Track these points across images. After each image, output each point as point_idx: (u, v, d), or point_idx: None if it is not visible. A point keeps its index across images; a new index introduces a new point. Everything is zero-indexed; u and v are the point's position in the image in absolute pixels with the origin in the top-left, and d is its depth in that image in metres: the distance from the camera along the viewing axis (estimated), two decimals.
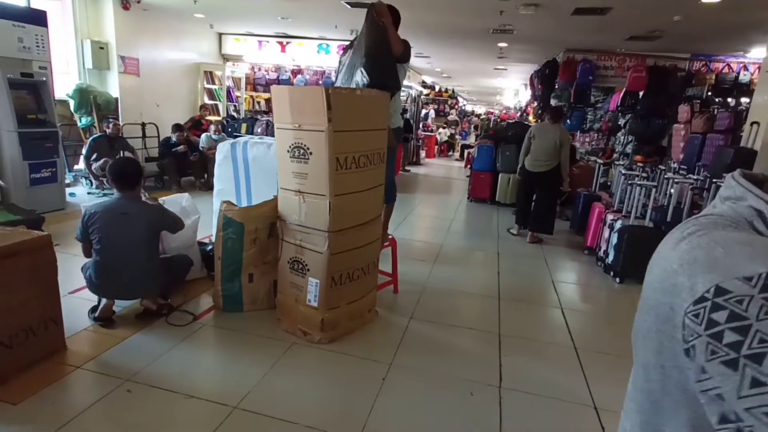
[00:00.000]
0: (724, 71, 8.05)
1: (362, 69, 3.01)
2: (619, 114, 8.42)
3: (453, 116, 18.04)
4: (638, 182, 4.33)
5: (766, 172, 0.54)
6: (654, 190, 4.39)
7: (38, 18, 5.10)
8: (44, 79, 5.07)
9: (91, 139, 6.08)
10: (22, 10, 5.13)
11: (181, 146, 6.75)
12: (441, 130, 15.91)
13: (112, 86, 7.21)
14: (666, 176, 4.85)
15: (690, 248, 0.48)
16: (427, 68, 13.94)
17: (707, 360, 0.42)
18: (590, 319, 3.59)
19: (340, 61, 3.41)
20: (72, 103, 6.52)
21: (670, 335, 0.48)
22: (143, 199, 3.05)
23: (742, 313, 0.40)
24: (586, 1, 5.32)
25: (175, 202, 3.41)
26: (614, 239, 4.25)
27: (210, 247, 3.59)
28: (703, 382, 0.44)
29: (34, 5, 5.81)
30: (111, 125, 6.08)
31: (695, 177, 4.71)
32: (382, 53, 3.06)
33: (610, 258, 4.30)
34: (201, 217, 3.57)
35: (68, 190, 5.72)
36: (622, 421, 0.64)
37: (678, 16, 5.63)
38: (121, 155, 6.32)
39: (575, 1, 5.38)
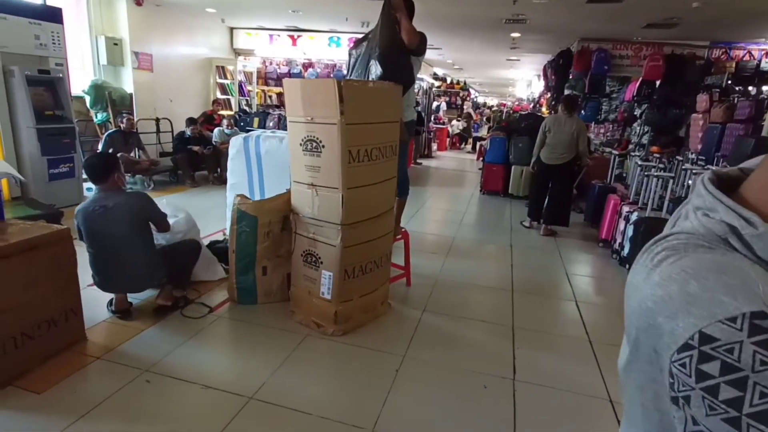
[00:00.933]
0: (744, 59, 7.83)
1: (376, 61, 3.00)
2: (635, 104, 8.26)
3: (467, 109, 17.87)
4: (655, 173, 4.25)
5: None
6: (671, 181, 4.31)
7: (54, 15, 5.17)
8: (61, 75, 5.15)
9: (106, 134, 6.17)
10: (38, 7, 5.21)
11: (197, 147, 6.81)
12: (454, 122, 15.79)
13: (127, 82, 7.30)
14: (683, 167, 4.75)
15: (661, 281, 0.45)
16: (438, 60, 13.81)
17: (706, 416, 0.39)
18: (605, 312, 3.55)
19: (350, 54, 3.39)
20: (88, 99, 6.63)
21: (652, 378, 0.45)
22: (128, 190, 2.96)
23: (735, 364, 0.37)
24: None
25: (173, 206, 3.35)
26: (630, 231, 4.19)
27: (224, 242, 3.62)
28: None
29: (50, 2, 5.90)
30: (125, 120, 6.15)
31: (714, 168, 4.60)
32: (395, 47, 3.05)
33: (626, 251, 4.24)
34: (214, 212, 3.60)
35: (86, 185, 5.82)
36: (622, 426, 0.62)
37: (697, 3, 5.48)
38: (136, 153, 6.42)
39: None
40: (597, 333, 3.05)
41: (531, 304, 3.50)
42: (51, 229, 2.40)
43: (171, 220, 3.12)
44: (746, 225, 0.45)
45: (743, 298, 0.39)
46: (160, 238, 3.07)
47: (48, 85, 5.07)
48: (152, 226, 2.88)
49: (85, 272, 2.80)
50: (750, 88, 7.74)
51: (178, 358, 2.50)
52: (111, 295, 2.92)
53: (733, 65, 7.78)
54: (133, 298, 2.98)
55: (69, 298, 2.48)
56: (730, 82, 7.69)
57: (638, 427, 0.52)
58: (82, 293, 2.61)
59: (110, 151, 5.94)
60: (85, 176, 6.09)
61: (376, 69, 3.01)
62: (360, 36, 3.52)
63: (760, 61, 7.67)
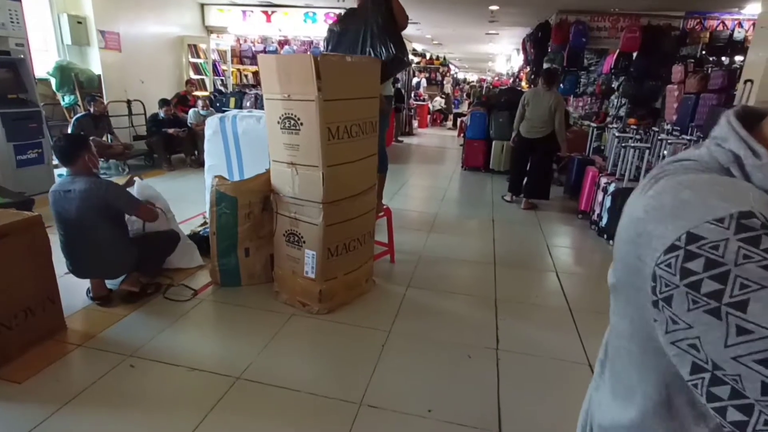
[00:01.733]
0: (718, 29, 7.92)
1: (385, 41, 2.98)
2: (613, 77, 8.32)
3: (448, 87, 17.75)
4: (631, 144, 4.32)
5: None
6: (647, 151, 4.38)
7: None
8: (22, 56, 4.89)
9: (74, 119, 5.93)
10: None
11: (172, 129, 6.61)
12: (437, 99, 15.68)
13: (94, 63, 6.99)
14: (659, 138, 4.84)
15: (655, 193, 0.46)
16: (417, 35, 13.60)
17: (688, 310, 0.40)
18: (585, 281, 3.64)
19: (331, 30, 3.29)
20: (53, 82, 6.34)
21: (637, 287, 0.46)
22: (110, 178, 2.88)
23: (719, 260, 0.38)
24: None
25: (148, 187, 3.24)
26: (608, 202, 4.27)
27: (204, 230, 3.54)
28: (673, 333, 0.42)
29: None
30: (94, 103, 5.92)
31: (688, 137, 4.70)
32: (393, 26, 3.05)
33: (604, 221, 4.34)
34: (193, 195, 3.53)
35: (56, 171, 5.63)
36: (597, 371, 0.64)
37: None
38: (107, 137, 6.21)
39: None
40: (577, 301, 3.13)
41: (513, 276, 3.56)
42: (22, 216, 2.32)
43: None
44: (750, 155, 0.46)
45: (733, 202, 0.40)
46: (135, 224, 3.00)
47: (9, 66, 4.81)
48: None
49: (61, 261, 2.73)
50: (723, 58, 7.85)
51: (162, 342, 2.48)
52: (89, 283, 2.86)
53: (707, 35, 7.87)
54: (111, 284, 2.92)
55: (45, 286, 2.42)
56: (704, 52, 7.79)
57: (623, 338, 0.53)
58: (59, 281, 2.55)
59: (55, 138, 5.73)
60: (56, 162, 5.90)
61: (382, 50, 2.97)
62: (339, 12, 3.45)
63: (732, 31, 7.77)
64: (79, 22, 6.70)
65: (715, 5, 7.52)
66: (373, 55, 2.98)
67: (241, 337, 2.59)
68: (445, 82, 17.49)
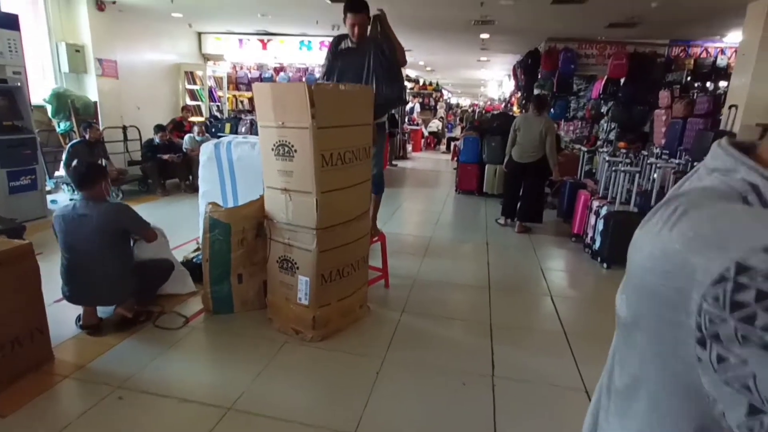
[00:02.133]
0: (702, 56, 8.17)
1: (388, 84, 3.19)
2: (602, 102, 8.51)
3: (441, 111, 18.04)
4: (622, 168, 4.39)
5: None
6: (637, 175, 4.45)
7: (10, 22, 4.97)
8: (19, 84, 4.95)
9: (69, 144, 5.95)
10: None
11: (167, 155, 6.64)
12: (434, 121, 15.89)
13: (91, 90, 7.07)
14: (649, 161, 4.92)
15: (692, 224, 0.43)
16: (410, 62, 13.87)
17: (741, 345, 0.37)
18: (579, 304, 3.63)
19: (332, 54, 3.36)
20: (49, 108, 6.38)
21: (675, 322, 0.43)
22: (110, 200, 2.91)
23: None
24: None
25: None
26: (600, 225, 4.30)
27: (197, 257, 3.52)
28: (723, 372, 0.39)
29: (5, 9, 5.66)
30: (90, 130, 5.95)
31: (677, 161, 4.78)
32: (396, 66, 3.24)
33: (597, 244, 4.36)
34: (186, 221, 3.53)
35: (49, 197, 5.62)
36: (600, 420, 0.59)
37: (655, 2, 5.69)
38: (101, 162, 6.22)
39: None
40: (572, 326, 3.11)
41: (508, 300, 3.55)
42: (12, 245, 2.30)
43: None
44: (767, 183, 0.45)
45: None
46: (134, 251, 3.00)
47: (5, 94, 4.86)
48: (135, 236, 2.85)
49: (50, 288, 2.69)
50: (708, 84, 8.08)
51: (152, 372, 2.43)
52: (79, 311, 2.81)
53: (692, 62, 8.11)
54: (102, 312, 2.88)
55: (34, 316, 2.38)
56: (689, 78, 8.01)
57: (644, 380, 0.49)
58: (48, 310, 2.51)
59: (74, 162, 5.74)
60: (49, 188, 5.90)
61: (388, 90, 3.15)
62: (332, 37, 3.59)
63: (716, 58, 8.02)
64: (77, 51, 6.81)
65: (698, 34, 7.78)
66: (380, 99, 3.10)
67: (233, 365, 2.54)
68: (438, 107, 17.78)
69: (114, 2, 6.96)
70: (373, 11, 3.28)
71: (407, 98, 3.67)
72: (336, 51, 3.35)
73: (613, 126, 8.23)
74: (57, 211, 2.74)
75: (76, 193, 5.85)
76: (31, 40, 6.19)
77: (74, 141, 6.04)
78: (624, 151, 5.92)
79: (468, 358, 2.68)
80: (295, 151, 2.56)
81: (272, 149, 2.65)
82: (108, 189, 2.85)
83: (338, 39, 3.39)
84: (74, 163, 5.59)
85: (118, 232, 2.73)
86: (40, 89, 6.40)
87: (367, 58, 3.17)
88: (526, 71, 9.43)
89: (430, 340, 2.91)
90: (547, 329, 3.12)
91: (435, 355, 2.71)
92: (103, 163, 6.23)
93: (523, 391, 2.41)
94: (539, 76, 8.94)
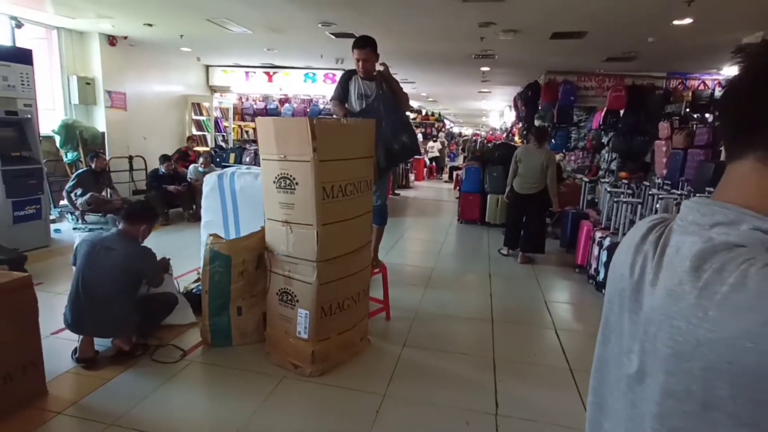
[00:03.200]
0: (700, 88, 8.30)
1: (407, 134, 3.37)
2: (602, 132, 8.60)
3: (441, 136, 18.27)
4: (624, 199, 4.38)
5: None
6: (640, 206, 4.44)
7: (24, 56, 5.13)
8: (29, 116, 5.06)
9: (75, 174, 6.03)
10: (7, 49, 5.16)
11: (172, 186, 6.72)
12: (430, 143, 16.00)
13: (99, 121, 7.22)
14: (650, 192, 4.92)
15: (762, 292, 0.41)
16: (413, 93, 14.18)
17: None
18: (584, 338, 3.55)
19: (347, 82, 3.45)
20: (58, 139, 6.51)
21: (759, 401, 0.41)
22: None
23: None
24: (562, 25, 5.49)
25: None
26: (604, 257, 4.27)
27: (197, 288, 3.51)
28: None
29: (21, 43, 5.86)
30: (96, 159, 6.03)
31: (679, 192, 4.78)
32: (406, 117, 3.46)
33: (601, 276, 4.31)
34: (188, 250, 3.53)
35: (53, 226, 5.64)
36: None
37: (652, 38, 5.84)
38: (107, 192, 6.30)
39: (552, 26, 5.55)
40: (577, 361, 3.04)
41: (511, 334, 3.48)
42: (10, 277, 2.29)
43: None
44: None
45: None
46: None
47: (15, 126, 4.97)
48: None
49: (48, 319, 2.67)
50: (707, 115, 8.17)
51: (146, 408, 2.37)
52: (76, 344, 2.77)
53: (690, 94, 8.23)
54: (99, 346, 2.84)
55: (28, 349, 2.35)
56: (688, 110, 8.11)
57: None
58: (43, 342, 2.48)
59: (78, 191, 5.80)
60: (53, 217, 5.94)
61: (405, 140, 3.32)
62: (337, 72, 3.75)
63: (713, 90, 8.13)
64: (88, 83, 6.99)
65: (695, 67, 7.93)
66: (396, 146, 3.21)
67: (229, 402, 2.48)
68: (440, 136, 18.01)
69: (125, 37, 7.20)
70: (380, 46, 3.38)
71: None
72: (346, 86, 3.43)
73: (614, 156, 8.29)
74: (87, 236, 2.82)
75: (79, 222, 5.90)
76: (43, 72, 6.38)
77: (80, 170, 6.12)
78: (626, 181, 5.94)
79: (471, 394, 2.61)
80: (297, 183, 2.58)
81: (274, 181, 2.67)
82: (146, 235, 2.91)
83: (348, 74, 3.49)
84: (86, 196, 5.68)
85: (136, 274, 2.78)
86: (49, 120, 6.55)
87: (383, 110, 3.25)
88: (527, 102, 9.59)
89: (432, 375, 2.84)
90: (552, 364, 3.04)
91: (437, 391, 2.64)
92: (108, 193, 6.31)
93: (528, 431, 2.32)
94: (539, 108, 9.08)
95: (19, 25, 5.90)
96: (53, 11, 5.81)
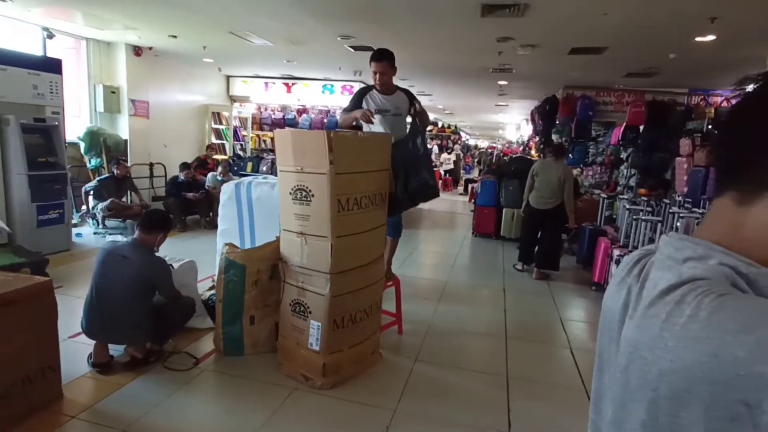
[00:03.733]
0: (723, 105, 8.14)
1: (428, 170, 3.29)
2: (621, 148, 8.47)
3: (457, 148, 18.24)
4: (643, 218, 4.30)
5: None
6: (660, 224, 4.35)
7: (53, 66, 5.30)
8: (56, 123, 5.21)
9: (97, 179, 6.17)
10: (38, 59, 5.35)
11: (191, 194, 6.84)
12: (444, 155, 15.97)
13: (122, 128, 7.41)
14: (671, 210, 4.82)
15: (742, 326, 0.42)
16: (429, 105, 14.24)
17: None
18: None
19: (367, 97, 3.39)
20: (82, 145, 6.69)
21: (714, 430, 0.42)
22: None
23: None
24: (581, 41, 5.47)
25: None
26: None
27: (210, 296, 3.55)
28: None
29: (51, 53, 6.07)
30: (118, 166, 6.16)
31: (701, 211, 4.67)
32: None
33: None
34: (205, 255, 3.57)
35: (74, 231, 5.77)
36: None
37: (673, 54, 5.76)
38: (129, 195, 6.44)
39: (571, 41, 5.53)
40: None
41: (525, 351, 3.43)
42: (32, 281, 2.35)
43: (175, 264, 3.21)
44: (745, 265, 0.47)
45: None
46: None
47: (43, 132, 5.12)
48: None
49: (66, 323, 2.72)
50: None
51: (158, 415, 2.39)
52: (91, 349, 2.82)
53: (713, 111, 8.07)
54: (114, 350, 2.88)
55: (47, 353, 2.39)
56: (710, 126, 7.95)
57: None
58: (61, 346, 2.52)
59: (98, 195, 5.93)
60: (75, 221, 6.08)
61: (432, 178, 3.29)
62: (354, 84, 3.73)
63: None
64: (113, 92, 7.19)
65: (718, 83, 7.80)
66: (416, 182, 3.11)
67: (239, 413, 2.48)
68: (455, 148, 18.00)
69: (151, 48, 7.40)
70: (399, 59, 3.37)
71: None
72: (360, 102, 3.36)
73: (633, 172, 8.15)
74: (105, 244, 2.89)
75: (100, 227, 6.03)
76: (71, 81, 6.58)
77: (102, 176, 6.26)
78: (645, 198, 5.84)
79: (483, 413, 2.57)
80: (313, 195, 2.60)
81: (290, 193, 2.69)
82: (161, 243, 2.95)
83: (364, 90, 3.43)
84: (106, 201, 5.81)
85: (149, 284, 2.80)
86: (75, 127, 6.74)
87: (413, 146, 3.21)
88: (544, 117, 9.53)
89: (443, 391, 2.80)
90: (567, 385, 2.98)
91: (449, 408, 2.60)
92: (129, 198, 6.44)
93: None
94: (557, 122, 9.01)
95: (50, 36, 6.12)
96: (83, 23, 6.01)
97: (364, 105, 3.34)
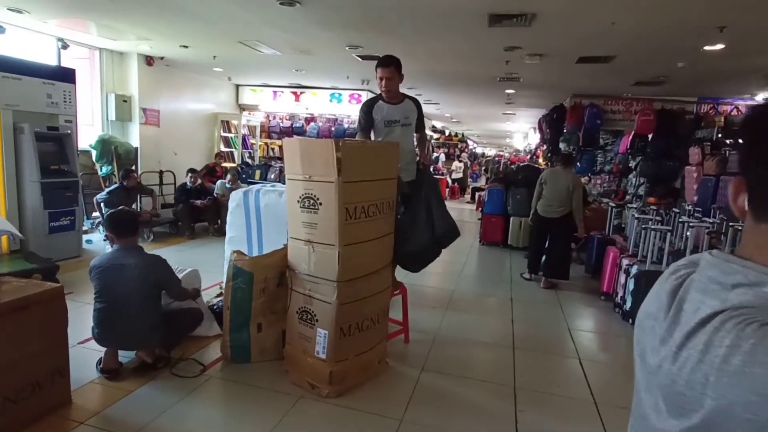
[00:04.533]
0: (733, 113, 8.08)
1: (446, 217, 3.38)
2: (630, 157, 8.43)
3: (464, 156, 18.26)
4: (653, 227, 4.26)
5: None
6: (669, 234, 4.31)
7: (67, 76, 5.41)
8: (69, 131, 5.31)
9: (107, 191, 6.18)
10: (52, 69, 5.46)
11: (199, 201, 6.90)
12: (456, 163, 15.98)
13: (133, 136, 7.51)
14: (680, 220, 4.77)
15: None
16: (436, 114, 14.29)
17: None
18: (610, 370, 3.43)
19: (369, 121, 3.37)
20: (94, 153, 6.79)
21: None
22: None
23: None
24: (589, 50, 5.47)
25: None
26: (631, 285, 4.14)
27: (218, 304, 3.57)
28: None
29: (65, 63, 6.20)
30: (128, 179, 6.19)
31: (711, 220, 4.62)
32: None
33: (628, 305, 4.18)
34: (213, 262, 3.59)
35: (85, 237, 5.85)
36: None
37: (682, 63, 5.75)
38: (139, 202, 6.50)
39: (579, 51, 5.54)
40: (603, 394, 2.93)
41: (533, 361, 3.39)
42: (44, 287, 2.38)
43: (180, 275, 3.18)
44: None
45: None
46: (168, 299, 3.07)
47: (56, 140, 5.21)
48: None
49: (76, 329, 2.75)
50: (740, 141, 7.92)
51: (165, 422, 2.39)
52: (101, 354, 2.84)
53: (722, 119, 8.01)
54: (123, 357, 2.90)
55: (57, 358, 2.42)
56: (720, 135, 7.88)
57: None
58: (70, 351, 2.54)
59: (109, 205, 5.98)
60: (86, 228, 6.15)
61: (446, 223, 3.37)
62: (362, 91, 3.77)
63: None
64: (125, 101, 7.31)
65: (727, 92, 7.75)
66: (437, 228, 3.23)
67: (246, 420, 2.48)
68: (462, 157, 18.01)
69: (162, 58, 7.52)
70: (406, 68, 3.40)
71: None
72: (370, 115, 3.34)
73: (642, 181, 8.10)
74: (94, 261, 2.83)
75: None
76: (84, 91, 6.71)
77: (112, 187, 6.28)
78: (654, 207, 5.79)
79: (490, 424, 2.54)
80: (320, 204, 2.61)
81: (298, 201, 2.71)
82: (139, 232, 2.95)
83: (371, 102, 3.38)
84: (108, 211, 5.85)
85: (154, 281, 2.80)
86: (87, 135, 6.85)
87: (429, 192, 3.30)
88: (551, 125, 9.52)
89: (450, 401, 2.78)
90: (575, 396, 2.94)
91: (455, 418, 2.58)
92: (139, 205, 6.50)
93: None
94: (564, 130, 8.99)
95: (65, 47, 6.25)
96: (97, 34, 6.13)
97: (377, 116, 3.33)
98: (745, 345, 0.40)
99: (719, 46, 4.91)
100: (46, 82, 5.11)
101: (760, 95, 7.30)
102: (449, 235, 3.38)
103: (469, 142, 23.21)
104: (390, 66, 3.26)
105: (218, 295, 3.90)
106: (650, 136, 7.96)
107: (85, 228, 6.09)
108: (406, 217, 3.28)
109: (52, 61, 6.06)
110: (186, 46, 6.52)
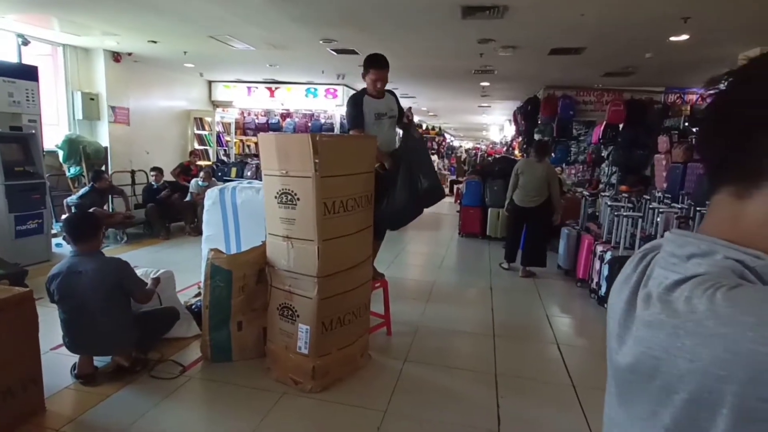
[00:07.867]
0: (698, 102, 8.36)
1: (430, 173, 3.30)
2: (602, 146, 8.64)
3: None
4: (624, 213, 4.38)
5: None
6: (640, 220, 4.44)
7: (29, 73, 5.20)
8: (33, 131, 5.11)
9: (77, 195, 5.97)
10: (13, 66, 5.24)
11: (164, 192, 6.74)
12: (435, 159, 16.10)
13: (102, 135, 7.28)
14: (651, 206, 4.92)
15: (760, 321, 0.40)
16: (413, 108, 14.28)
17: None
18: (587, 354, 3.53)
19: (362, 105, 3.36)
20: (61, 154, 6.56)
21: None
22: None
23: None
24: (561, 41, 5.57)
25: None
26: (605, 271, 4.25)
27: (196, 303, 3.51)
28: None
29: (26, 60, 5.95)
30: (98, 181, 6.00)
31: (679, 206, 4.79)
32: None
33: (603, 290, 4.29)
34: (189, 264, 3.53)
35: (55, 241, 5.65)
36: None
37: (649, 54, 5.91)
38: (110, 203, 6.32)
39: (551, 42, 5.63)
40: (580, 377, 3.01)
41: (513, 348, 3.46)
42: (11, 292, 2.29)
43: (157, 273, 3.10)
44: (754, 258, 0.46)
45: None
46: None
47: (19, 141, 5.01)
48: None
49: (48, 335, 2.66)
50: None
51: (144, 426, 2.35)
52: (75, 360, 2.76)
53: (688, 108, 8.29)
54: (98, 361, 2.82)
55: (29, 365, 2.34)
56: (686, 124, 8.15)
57: None
58: (43, 358, 2.47)
59: (81, 208, 5.81)
60: (55, 231, 5.94)
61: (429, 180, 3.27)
62: (338, 86, 3.75)
63: None
64: (92, 99, 7.07)
65: (693, 81, 8.00)
66: (423, 184, 3.16)
67: (228, 419, 2.46)
68: (441, 152, 18.11)
69: (130, 54, 7.30)
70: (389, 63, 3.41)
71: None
72: (361, 111, 3.32)
73: (614, 170, 8.31)
74: (52, 270, 2.68)
75: None
76: (48, 89, 6.46)
77: (83, 191, 6.06)
78: (626, 195, 5.95)
79: (473, 411, 2.59)
80: (298, 199, 2.59)
81: (275, 197, 2.68)
82: (102, 239, 2.82)
83: (358, 97, 3.37)
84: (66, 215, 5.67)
85: (115, 285, 2.67)
86: (53, 135, 6.60)
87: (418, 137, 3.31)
88: (526, 117, 9.67)
89: (433, 391, 2.81)
90: (555, 381, 3.01)
91: (439, 407, 2.61)
92: (111, 206, 6.32)
93: None
94: (539, 122, 9.14)
95: (25, 43, 6.00)
96: (60, 29, 5.90)
97: (365, 110, 3.33)
98: (719, 309, 0.42)
99: (684, 37, 5.07)
100: (7, 80, 4.90)
101: (723, 83, 7.55)
102: (431, 193, 3.28)
103: (446, 136, 23.35)
104: (386, 68, 3.33)
105: (197, 295, 3.83)
106: (621, 125, 8.18)
107: (54, 231, 5.88)
108: (387, 174, 3.23)
109: (12, 58, 5.81)
110: (155, 42, 6.34)
